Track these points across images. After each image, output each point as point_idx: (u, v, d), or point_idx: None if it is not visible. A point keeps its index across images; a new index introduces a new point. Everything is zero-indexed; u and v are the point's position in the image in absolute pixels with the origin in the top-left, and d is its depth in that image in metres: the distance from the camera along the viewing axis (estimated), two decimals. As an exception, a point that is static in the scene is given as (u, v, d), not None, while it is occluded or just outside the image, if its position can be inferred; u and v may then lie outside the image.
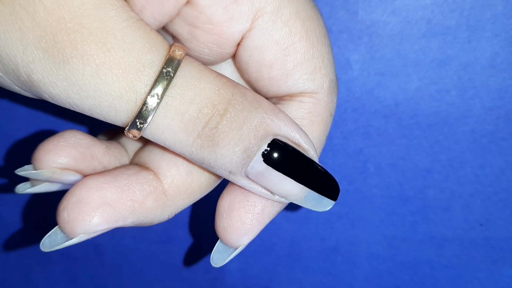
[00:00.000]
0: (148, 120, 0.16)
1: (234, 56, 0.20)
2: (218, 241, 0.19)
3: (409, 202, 0.29)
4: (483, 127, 0.27)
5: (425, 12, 0.26)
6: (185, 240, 0.32)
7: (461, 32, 0.26)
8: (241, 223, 0.19)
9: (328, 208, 0.19)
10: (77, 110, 0.17)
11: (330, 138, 0.29)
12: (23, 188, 0.20)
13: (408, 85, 0.27)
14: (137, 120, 0.16)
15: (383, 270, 0.31)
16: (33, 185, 0.20)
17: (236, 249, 0.19)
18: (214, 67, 0.21)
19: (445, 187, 0.28)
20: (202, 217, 0.32)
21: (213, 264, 0.20)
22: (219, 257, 0.19)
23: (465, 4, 0.25)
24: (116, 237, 0.33)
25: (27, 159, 0.19)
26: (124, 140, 0.22)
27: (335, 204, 0.30)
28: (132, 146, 0.21)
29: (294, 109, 0.20)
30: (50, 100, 0.16)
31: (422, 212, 0.29)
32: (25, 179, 0.20)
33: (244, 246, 0.19)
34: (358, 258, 0.31)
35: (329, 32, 0.26)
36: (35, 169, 0.19)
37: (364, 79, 0.27)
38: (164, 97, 0.16)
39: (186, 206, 0.20)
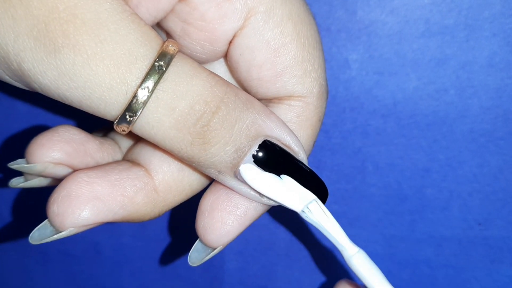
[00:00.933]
0: (138, 113, 0.16)
1: (226, 55, 0.20)
2: (197, 240, 0.19)
3: (408, 201, 0.29)
4: (482, 126, 0.27)
5: (423, 12, 0.26)
6: (183, 239, 0.32)
7: (459, 32, 0.26)
8: (222, 223, 0.19)
9: None
10: (67, 103, 0.16)
11: (328, 137, 0.29)
12: (16, 182, 0.20)
13: (406, 85, 0.27)
14: (127, 113, 0.16)
15: (381, 269, 0.31)
16: (26, 180, 0.20)
17: (214, 249, 0.19)
18: (207, 66, 0.21)
19: (443, 187, 0.28)
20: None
21: (190, 263, 0.19)
22: (196, 256, 0.19)
23: (463, 3, 0.25)
24: (115, 235, 0.33)
25: (21, 154, 0.19)
26: (117, 137, 0.22)
27: (334, 203, 0.30)
28: (126, 143, 0.21)
29: (282, 112, 0.20)
30: (39, 90, 0.16)
31: (421, 211, 0.29)
32: (20, 174, 0.20)
33: (223, 248, 0.19)
34: (357, 257, 0.31)
35: (328, 32, 0.26)
36: (28, 163, 0.19)
37: (363, 78, 0.27)
38: (155, 91, 0.16)
39: (177, 204, 0.20)
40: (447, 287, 0.30)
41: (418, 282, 0.30)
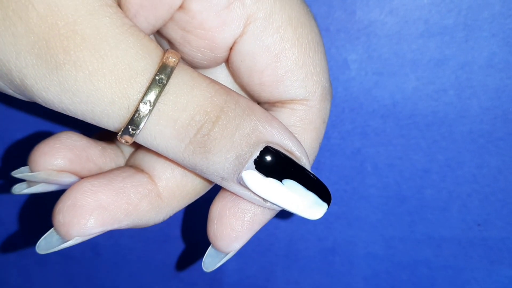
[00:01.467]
0: (140, 126, 0.16)
1: (227, 61, 0.20)
2: (210, 246, 0.20)
3: (407, 202, 0.29)
4: (481, 127, 0.27)
5: (422, 12, 0.26)
6: (182, 240, 0.32)
7: (458, 32, 0.26)
8: (231, 230, 0.19)
9: (319, 217, 0.19)
10: (71, 115, 0.17)
11: (327, 138, 0.29)
12: (19, 189, 0.20)
13: (405, 85, 0.27)
14: (129, 126, 0.16)
15: (380, 270, 0.31)
16: (29, 186, 0.20)
17: (227, 254, 0.20)
18: (208, 71, 0.21)
19: (442, 187, 0.28)
20: (200, 217, 0.32)
21: (204, 269, 0.20)
22: (210, 261, 0.20)
23: (463, 3, 0.25)
24: (114, 237, 0.33)
25: (24, 160, 0.19)
26: None
27: (333, 204, 0.30)
28: (128, 147, 0.22)
29: (286, 116, 0.20)
30: (43, 104, 0.16)
31: (420, 212, 0.29)
32: (22, 180, 0.20)
33: (235, 252, 0.20)
34: (356, 258, 0.31)
35: (327, 32, 0.26)
36: (31, 171, 0.19)
37: (362, 78, 0.27)
38: (157, 104, 0.16)
39: (181, 208, 0.20)
40: (446, 288, 0.30)
41: (417, 283, 0.30)
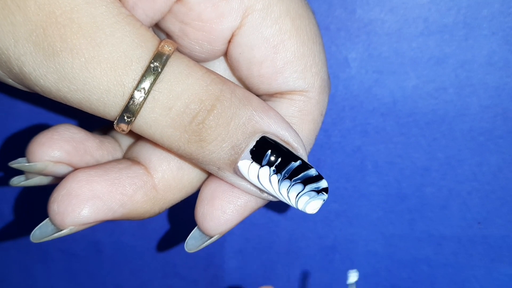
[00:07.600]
0: (135, 114, 0.16)
1: (226, 54, 0.20)
2: (196, 227, 0.20)
3: (407, 200, 0.29)
4: (481, 125, 0.27)
5: (422, 10, 0.26)
6: (184, 238, 0.32)
7: (458, 30, 0.26)
8: (222, 212, 0.19)
9: (317, 209, 0.19)
10: (68, 104, 0.17)
11: (328, 136, 0.29)
12: (17, 181, 0.20)
13: (405, 83, 0.27)
14: (124, 114, 0.16)
15: (381, 268, 0.31)
16: (27, 178, 0.20)
17: (211, 237, 0.19)
18: (207, 65, 0.21)
19: (442, 185, 0.29)
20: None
21: (186, 250, 0.20)
22: (193, 243, 0.20)
23: (462, 2, 0.25)
24: (116, 234, 0.33)
25: (22, 153, 0.19)
26: (118, 135, 0.22)
27: (333, 202, 0.30)
28: (126, 141, 0.22)
29: (284, 106, 0.20)
30: (41, 93, 0.17)
31: (420, 210, 0.29)
32: (21, 172, 0.20)
33: (220, 236, 0.19)
34: (356, 256, 0.31)
35: (327, 30, 0.26)
36: (29, 162, 0.19)
37: (362, 77, 0.27)
38: (151, 91, 0.16)
39: (177, 201, 0.20)
40: (446, 286, 0.30)
41: (418, 281, 0.30)
